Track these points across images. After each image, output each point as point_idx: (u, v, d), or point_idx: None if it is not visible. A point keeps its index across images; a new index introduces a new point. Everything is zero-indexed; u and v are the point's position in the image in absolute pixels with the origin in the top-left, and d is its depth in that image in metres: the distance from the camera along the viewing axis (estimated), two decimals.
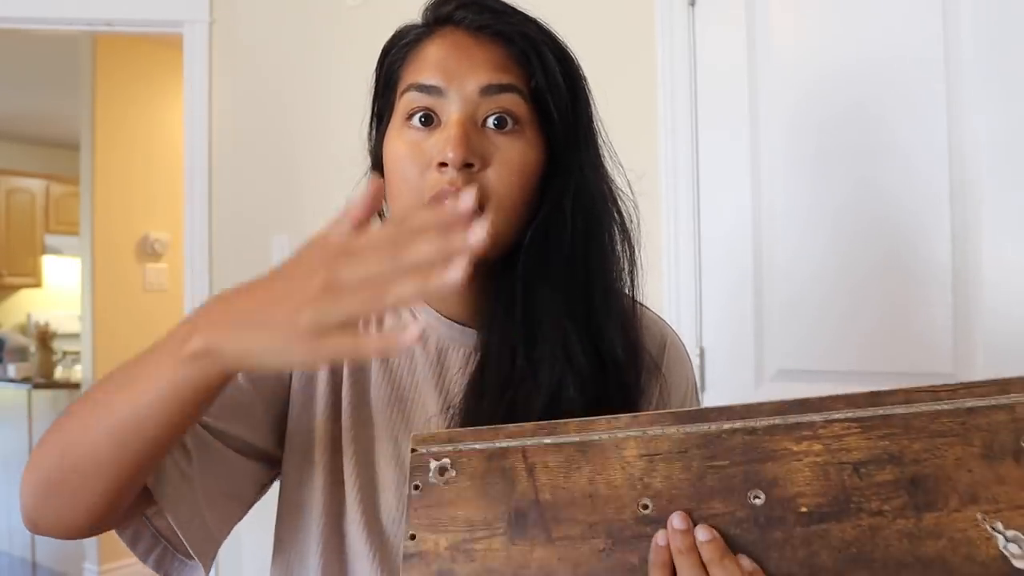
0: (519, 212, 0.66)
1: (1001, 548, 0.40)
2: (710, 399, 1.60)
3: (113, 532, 0.63)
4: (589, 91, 0.71)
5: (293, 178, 2.34)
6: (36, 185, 5.33)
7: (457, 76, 0.64)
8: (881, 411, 0.44)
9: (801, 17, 1.52)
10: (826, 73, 1.49)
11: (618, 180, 0.71)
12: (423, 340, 0.72)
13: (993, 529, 0.41)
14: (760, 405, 0.47)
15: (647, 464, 0.47)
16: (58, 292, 5.51)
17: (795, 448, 0.45)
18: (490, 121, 0.64)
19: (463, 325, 0.72)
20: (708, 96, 1.62)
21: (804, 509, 0.43)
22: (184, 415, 0.52)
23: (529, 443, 0.50)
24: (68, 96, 3.83)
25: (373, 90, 0.73)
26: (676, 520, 0.46)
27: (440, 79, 0.64)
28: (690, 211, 1.63)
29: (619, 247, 0.70)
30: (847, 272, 1.46)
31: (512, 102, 0.64)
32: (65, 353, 4.45)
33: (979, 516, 0.41)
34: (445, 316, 0.72)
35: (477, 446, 0.49)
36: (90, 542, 3.30)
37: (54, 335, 4.17)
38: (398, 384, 0.72)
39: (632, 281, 0.71)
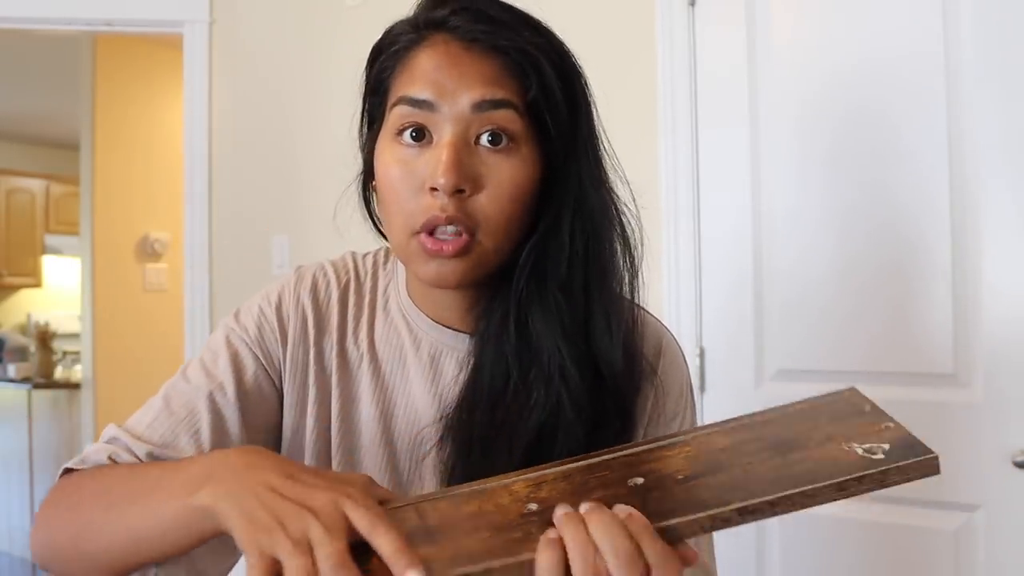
0: (513, 231, 0.64)
1: (860, 453, 0.45)
2: (710, 399, 1.60)
3: None
4: (592, 102, 0.68)
5: (293, 178, 2.34)
6: (36, 185, 5.33)
7: (449, 91, 0.61)
8: (740, 422, 0.51)
9: (801, 17, 1.52)
10: (826, 73, 1.49)
11: (621, 192, 0.69)
12: (416, 346, 0.72)
13: (850, 446, 0.46)
14: (636, 443, 0.53)
15: (534, 487, 0.50)
16: (58, 292, 5.52)
17: (669, 453, 0.50)
18: (483, 138, 0.62)
19: (456, 330, 0.71)
20: (708, 96, 1.62)
21: (680, 477, 0.48)
22: (180, 545, 0.56)
23: (423, 502, 0.52)
24: (68, 96, 3.83)
25: (363, 91, 0.71)
26: (558, 509, 0.48)
27: (431, 94, 0.62)
28: (690, 211, 1.63)
29: (620, 262, 0.67)
30: (847, 272, 1.46)
31: (506, 118, 0.62)
32: (65, 353, 4.45)
33: (837, 443, 0.47)
34: (437, 321, 0.71)
35: None
36: None
37: (54, 335, 4.16)
38: (391, 393, 0.71)
39: (632, 296, 0.69)
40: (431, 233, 0.62)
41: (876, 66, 1.44)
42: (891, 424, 0.47)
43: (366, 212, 0.75)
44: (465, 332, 0.70)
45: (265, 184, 2.40)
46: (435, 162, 0.61)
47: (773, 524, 1.52)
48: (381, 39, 0.69)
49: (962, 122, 1.35)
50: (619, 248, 0.68)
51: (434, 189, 0.61)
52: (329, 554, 0.44)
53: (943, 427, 1.36)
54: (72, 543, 0.61)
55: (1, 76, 4.24)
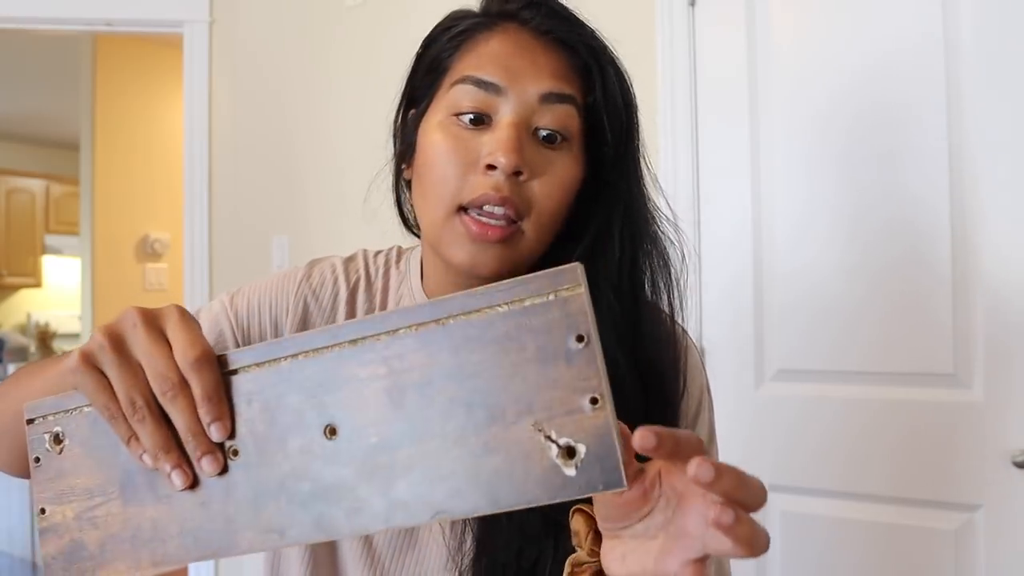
0: (555, 226, 0.64)
1: (554, 459, 0.39)
2: None
3: None
4: (639, 114, 0.69)
5: (293, 178, 2.34)
6: (36, 185, 5.33)
7: (519, 77, 0.61)
8: (441, 322, 0.42)
9: (801, 17, 1.52)
10: (826, 73, 1.49)
11: (660, 203, 0.69)
12: None
13: (547, 439, 0.40)
14: (328, 330, 0.45)
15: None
16: (58, 292, 5.51)
17: (362, 374, 0.44)
18: (542, 132, 0.62)
19: None
20: (708, 96, 1.62)
21: (374, 440, 0.43)
22: None
23: None
24: (68, 96, 3.84)
25: (410, 72, 0.69)
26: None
27: (501, 77, 0.61)
28: (690, 211, 1.63)
29: (660, 274, 0.67)
30: (847, 272, 1.46)
31: (568, 114, 0.62)
32: (65, 353, 4.45)
33: (534, 427, 0.40)
34: None
35: (85, 408, 0.48)
36: None
37: (54, 335, 4.18)
38: None
39: (672, 308, 0.68)
40: (478, 211, 0.60)
41: (876, 66, 1.44)
42: (597, 396, 0.39)
43: (396, 202, 0.73)
44: None
45: (265, 184, 2.40)
46: (496, 141, 0.60)
47: (773, 524, 1.52)
48: (439, 24, 0.68)
49: (962, 121, 1.35)
50: (658, 261, 0.67)
51: (491, 168, 0.60)
52: (188, 347, 0.44)
53: (943, 427, 1.36)
54: None
55: (1, 76, 4.24)
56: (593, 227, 0.65)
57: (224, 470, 0.45)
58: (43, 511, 0.49)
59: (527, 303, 0.41)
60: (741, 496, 0.38)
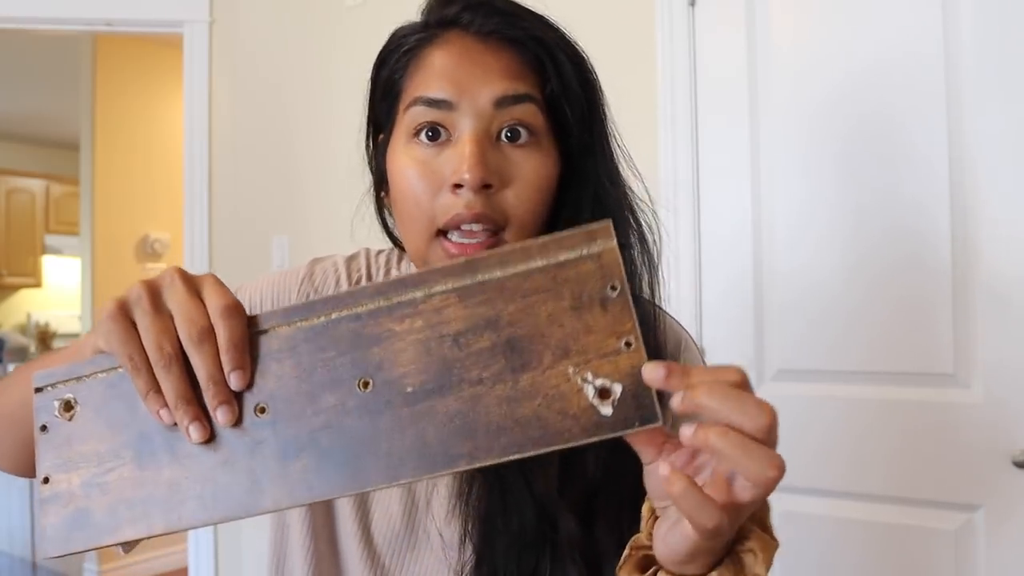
0: (537, 228, 0.62)
1: (590, 399, 0.41)
2: None
3: None
4: (603, 94, 0.66)
5: (293, 178, 2.34)
6: (36, 185, 5.34)
7: (468, 88, 0.59)
8: (478, 277, 0.44)
9: (801, 18, 1.52)
10: (826, 74, 1.49)
11: (636, 187, 0.67)
12: None
13: (583, 380, 0.42)
14: (363, 288, 0.46)
15: (258, 366, 0.46)
16: (58, 292, 5.52)
17: (398, 328, 0.45)
18: (504, 134, 0.60)
19: None
20: (708, 97, 1.62)
21: (410, 389, 0.44)
22: None
23: None
24: (68, 96, 3.84)
25: (369, 98, 0.68)
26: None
27: (450, 92, 0.59)
28: (690, 211, 1.63)
29: (638, 257, 0.65)
30: (847, 272, 1.46)
31: (528, 112, 0.60)
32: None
33: (571, 370, 0.42)
34: None
35: (100, 374, 0.48)
36: None
37: (54, 335, 4.18)
38: None
39: (652, 291, 0.67)
40: (456, 231, 0.59)
41: (876, 66, 1.44)
42: (631, 339, 0.42)
43: (383, 227, 0.73)
44: None
45: (265, 184, 2.40)
46: (458, 158, 0.58)
47: (773, 523, 1.52)
48: (387, 43, 0.66)
49: (963, 122, 1.35)
50: (636, 244, 0.65)
51: (458, 186, 0.58)
52: (218, 301, 0.45)
53: (943, 427, 1.36)
54: None
55: (1, 76, 4.25)
56: (562, 220, 0.62)
57: (239, 422, 0.45)
58: (47, 480, 0.48)
59: (562, 257, 0.43)
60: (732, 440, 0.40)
